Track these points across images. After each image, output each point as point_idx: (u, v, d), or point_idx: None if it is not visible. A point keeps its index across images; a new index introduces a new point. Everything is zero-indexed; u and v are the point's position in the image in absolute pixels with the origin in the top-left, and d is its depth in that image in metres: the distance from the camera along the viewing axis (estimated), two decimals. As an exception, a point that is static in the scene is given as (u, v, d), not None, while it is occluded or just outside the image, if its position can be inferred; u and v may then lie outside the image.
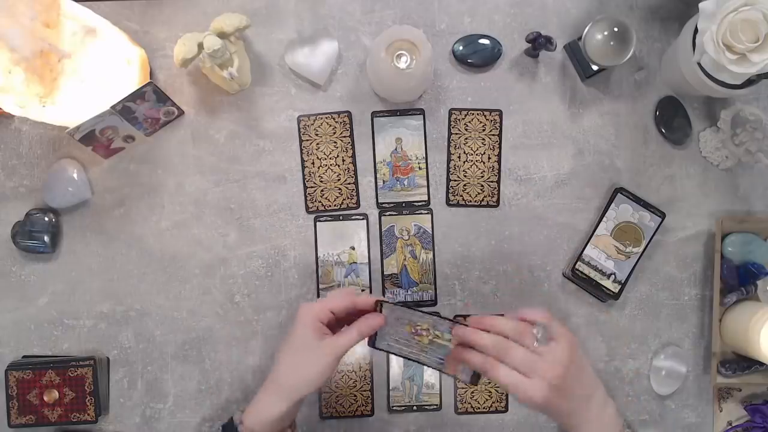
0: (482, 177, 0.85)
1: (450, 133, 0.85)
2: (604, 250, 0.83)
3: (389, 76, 0.77)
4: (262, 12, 0.84)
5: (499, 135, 0.85)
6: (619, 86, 0.86)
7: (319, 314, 0.67)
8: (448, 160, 0.85)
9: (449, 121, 0.85)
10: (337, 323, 0.69)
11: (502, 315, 0.68)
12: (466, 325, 0.65)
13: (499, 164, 0.85)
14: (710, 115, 0.86)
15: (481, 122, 0.85)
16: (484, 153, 0.85)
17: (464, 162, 0.85)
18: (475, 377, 0.67)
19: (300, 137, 0.84)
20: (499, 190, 0.85)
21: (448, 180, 0.85)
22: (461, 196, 0.85)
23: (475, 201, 0.85)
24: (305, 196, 0.84)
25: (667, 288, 0.86)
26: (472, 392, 0.84)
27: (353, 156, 0.84)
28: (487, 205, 0.85)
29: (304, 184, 0.84)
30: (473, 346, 0.65)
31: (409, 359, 0.70)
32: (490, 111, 0.85)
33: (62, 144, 0.83)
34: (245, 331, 0.83)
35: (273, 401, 0.68)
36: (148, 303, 0.83)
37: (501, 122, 0.85)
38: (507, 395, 0.84)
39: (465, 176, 0.85)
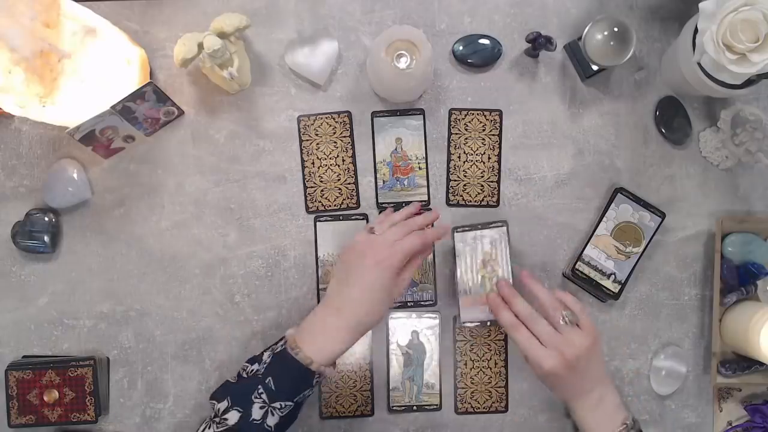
0: (482, 177, 0.85)
1: (450, 133, 0.85)
2: (604, 250, 0.83)
3: (389, 76, 0.77)
4: (262, 12, 0.84)
5: (499, 135, 0.85)
6: (619, 86, 0.86)
7: (402, 261, 0.69)
8: (448, 160, 0.85)
9: (449, 121, 0.85)
10: None
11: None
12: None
13: (499, 164, 0.85)
14: (710, 115, 0.86)
15: (481, 122, 0.85)
16: (484, 153, 0.85)
17: (464, 162, 0.85)
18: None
19: (300, 137, 0.84)
20: (499, 190, 0.85)
21: (448, 180, 0.85)
22: (461, 196, 0.85)
23: (475, 201, 0.85)
24: (305, 196, 0.84)
25: (667, 288, 0.86)
26: (472, 392, 0.84)
27: (353, 156, 0.84)
28: (487, 205, 0.85)
29: (304, 184, 0.84)
30: (509, 304, 0.75)
31: None
32: (490, 111, 0.85)
33: (62, 144, 0.83)
34: (245, 331, 0.83)
35: (343, 338, 0.69)
36: (148, 303, 0.83)
37: (501, 122, 0.85)
38: (507, 396, 0.84)
39: (465, 176, 0.85)
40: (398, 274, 0.70)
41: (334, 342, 0.69)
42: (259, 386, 0.68)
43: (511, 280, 0.80)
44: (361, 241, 0.71)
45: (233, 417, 0.67)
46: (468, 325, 0.82)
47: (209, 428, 0.68)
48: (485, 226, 0.82)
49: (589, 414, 0.73)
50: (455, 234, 0.82)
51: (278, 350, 0.70)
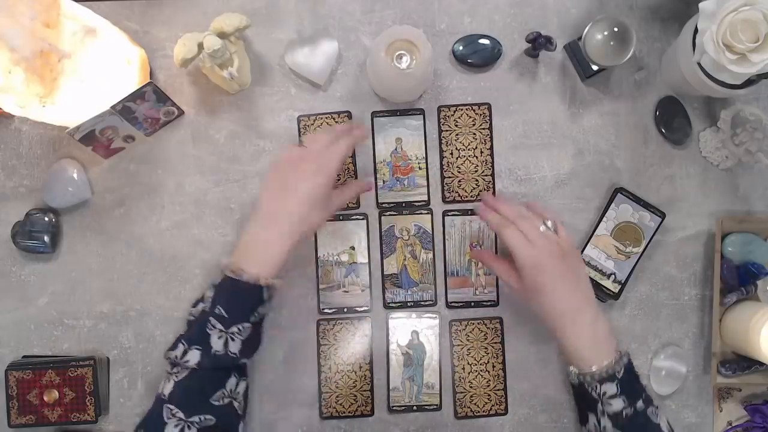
0: (476, 172, 0.85)
1: (441, 130, 0.85)
2: (604, 250, 0.83)
3: (389, 76, 0.77)
4: (262, 12, 0.84)
5: (490, 128, 0.85)
6: (619, 86, 0.86)
7: (338, 166, 0.71)
8: (441, 157, 0.85)
9: (438, 118, 0.85)
10: None
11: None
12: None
13: (492, 158, 0.85)
14: (710, 115, 0.86)
15: (470, 117, 0.85)
16: (476, 148, 0.85)
17: (456, 158, 0.85)
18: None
19: (300, 137, 0.84)
20: (494, 184, 0.85)
21: (443, 177, 0.85)
22: (457, 192, 0.84)
23: (471, 196, 0.85)
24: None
25: (667, 288, 0.86)
26: (471, 396, 0.84)
27: (353, 155, 0.84)
28: (486, 204, 0.85)
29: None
30: (496, 210, 0.76)
31: None
32: (479, 105, 0.85)
33: (62, 144, 0.83)
34: (245, 331, 0.83)
35: (282, 249, 0.70)
36: (148, 303, 0.83)
37: (490, 116, 0.85)
38: (506, 398, 0.84)
39: (459, 172, 0.85)
40: (333, 186, 0.72)
41: (274, 254, 0.69)
42: (210, 318, 0.67)
43: None
44: (294, 154, 0.72)
45: (194, 356, 0.66)
46: (455, 305, 0.84)
47: (168, 382, 0.67)
48: (474, 212, 0.84)
49: (582, 338, 0.70)
50: (445, 217, 0.84)
51: (218, 281, 0.69)
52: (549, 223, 0.73)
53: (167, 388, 0.67)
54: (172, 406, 0.65)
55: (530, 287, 0.72)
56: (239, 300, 0.68)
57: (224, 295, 0.68)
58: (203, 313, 0.68)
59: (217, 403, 0.67)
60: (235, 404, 0.69)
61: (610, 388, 0.69)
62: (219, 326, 0.67)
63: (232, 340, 0.67)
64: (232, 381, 0.68)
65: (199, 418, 0.65)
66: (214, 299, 0.68)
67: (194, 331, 0.68)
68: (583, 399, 0.72)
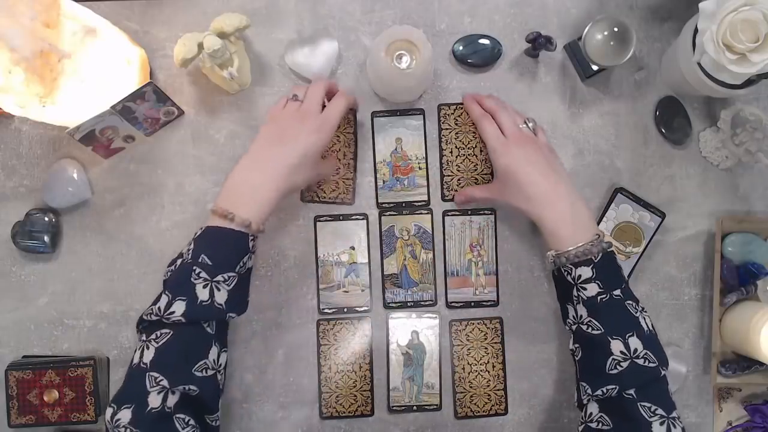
0: (475, 170, 0.85)
1: (440, 129, 0.85)
2: (604, 250, 0.83)
3: (389, 76, 0.77)
4: (262, 12, 0.84)
5: None
6: (619, 86, 0.86)
7: (336, 126, 0.74)
8: (441, 156, 0.85)
9: (438, 116, 0.85)
10: None
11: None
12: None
13: None
14: (710, 115, 0.86)
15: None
16: (476, 146, 0.85)
17: (456, 157, 0.85)
18: None
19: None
20: (496, 187, 0.85)
21: (442, 176, 0.84)
22: (456, 190, 0.84)
23: (471, 196, 0.85)
24: (301, 194, 0.84)
25: (667, 288, 0.86)
26: (471, 396, 0.84)
27: (355, 152, 0.84)
28: (487, 205, 0.85)
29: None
30: (480, 103, 0.81)
31: None
32: None
33: (62, 144, 0.83)
34: (245, 331, 0.83)
35: (271, 198, 0.69)
36: (148, 303, 0.83)
37: None
38: (506, 398, 0.84)
39: (458, 170, 0.84)
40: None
41: (263, 200, 0.68)
42: (194, 267, 0.65)
43: (496, 267, 0.83)
44: (293, 108, 0.74)
45: (179, 307, 0.63)
46: (455, 305, 0.84)
47: (147, 350, 0.63)
48: (474, 212, 0.84)
49: (558, 220, 0.70)
50: (445, 217, 0.84)
51: (200, 232, 0.68)
52: (530, 124, 0.78)
53: (147, 356, 0.63)
54: (155, 374, 0.62)
55: (502, 179, 0.74)
56: (224, 247, 0.66)
57: (207, 243, 0.66)
58: (184, 265, 0.66)
59: (199, 374, 0.64)
60: (219, 377, 0.67)
61: (585, 272, 0.67)
62: (204, 275, 0.65)
63: (218, 289, 0.65)
64: (214, 351, 0.66)
65: (183, 388, 0.63)
66: (195, 250, 0.66)
67: (177, 282, 0.65)
68: (561, 288, 0.72)
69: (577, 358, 0.71)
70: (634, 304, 0.68)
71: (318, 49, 0.83)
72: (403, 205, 0.84)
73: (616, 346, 0.65)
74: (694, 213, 0.86)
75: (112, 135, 0.79)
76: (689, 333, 0.86)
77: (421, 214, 0.84)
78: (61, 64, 0.67)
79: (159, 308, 0.64)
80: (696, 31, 0.74)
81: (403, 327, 0.84)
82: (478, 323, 0.84)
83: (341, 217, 0.84)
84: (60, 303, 0.83)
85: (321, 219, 0.84)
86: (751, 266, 0.83)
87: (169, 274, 0.69)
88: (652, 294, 0.85)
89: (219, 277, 0.66)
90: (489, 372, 0.84)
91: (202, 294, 0.64)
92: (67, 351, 0.83)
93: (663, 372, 0.66)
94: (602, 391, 0.66)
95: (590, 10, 0.86)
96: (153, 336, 0.65)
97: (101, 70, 0.72)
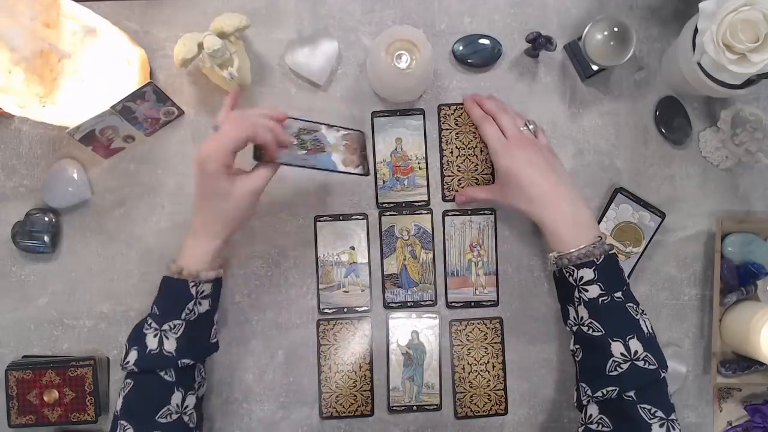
0: (476, 170, 0.85)
1: (441, 129, 0.85)
2: (604, 250, 0.83)
3: (389, 76, 0.77)
4: (262, 12, 0.84)
5: None
6: (619, 86, 0.86)
7: (223, 161, 0.64)
8: (441, 156, 0.85)
9: (439, 117, 0.85)
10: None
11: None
12: None
13: None
14: (710, 115, 0.86)
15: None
16: (476, 146, 0.85)
17: (456, 157, 0.85)
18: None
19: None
20: (494, 182, 0.84)
21: (443, 176, 0.84)
22: (456, 191, 0.84)
23: (471, 196, 0.85)
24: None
25: (667, 288, 0.86)
26: (471, 396, 0.84)
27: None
28: (487, 205, 0.85)
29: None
30: (480, 105, 0.80)
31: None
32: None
33: (62, 144, 0.83)
34: (245, 331, 0.83)
35: (205, 243, 0.69)
36: (148, 303, 0.83)
37: None
38: (506, 398, 0.84)
39: (459, 171, 0.84)
40: (235, 174, 0.67)
41: (194, 248, 0.70)
42: (147, 318, 0.69)
43: (496, 267, 0.83)
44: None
45: (132, 356, 0.68)
46: (455, 305, 0.84)
47: (119, 398, 0.69)
48: (474, 212, 0.84)
49: (560, 221, 0.70)
50: (445, 217, 0.84)
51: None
52: (531, 126, 0.78)
53: (118, 404, 0.69)
54: (124, 422, 0.67)
55: (504, 180, 0.74)
56: (169, 297, 0.70)
57: (159, 292, 0.71)
58: (146, 316, 0.71)
59: (164, 421, 0.68)
60: (185, 418, 0.70)
61: (587, 273, 0.67)
62: (154, 325, 0.69)
63: (166, 338, 0.68)
64: (177, 396, 0.69)
65: None
66: (155, 299, 0.71)
67: (136, 331, 0.70)
68: (563, 290, 0.72)
69: (577, 359, 0.71)
70: (634, 307, 0.69)
71: (318, 49, 0.83)
72: (403, 205, 0.84)
73: (617, 347, 0.65)
74: (694, 213, 0.86)
75: (112, 135, 0.79)
76: (689, 333, 0.86)
77: (421, 214, 0.84)
78: (61, 64, 0.67)
79: (122, 357, 0.69)
80: (696, 31, 0.74)
81: (403, 327, 0.84)
82: (478, 323, 0.84)
83: (341, 217, 0.84)
84: (60, 303, 0.83)
85: (321, 219, 0.84)
86: (751, 266, 0.83)
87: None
88: (652, 294, 0.85)
89: (165, 326, 0.69)
90: (489, 372, 0.84)
91: (152, 343, 0.68)
92: (67, 351, 0.83)
93: (663, 374, 0.66)
94: (602, 392, 0.66)
95: (590, 10, 0.86)
96: (123, 384, 0.70)
97: (101, 70, 0.72)
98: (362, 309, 0.84)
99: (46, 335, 0.83)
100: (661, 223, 0.84)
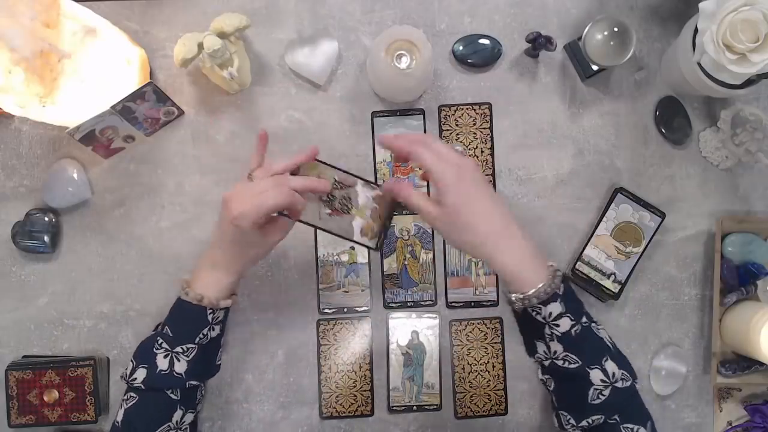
0: None
1: (441, 130, 0.85)
2: (604, 250, 0.83)
3: (389, 76, 0.77)
4: (262, 12, 0.84)
5: (491, 128, 0.85)
6: (619, 86, 0.86)
7: (257, 221, 0.65)
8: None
9: (439, 117, 0.85)
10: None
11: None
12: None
13: (493, 158, 0.85)
14: (710, 115, 0.86)
15: (471, 117, 0.85)
16: (477, 147, 0.85)
17: None
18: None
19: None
20: (494, 184, 0.85)
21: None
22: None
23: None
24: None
25: (667, 288, 0.86)
26: (471, 396, 0.84)
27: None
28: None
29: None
30: (393, 145, 0.68)
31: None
32: (480, 105, 0.85)
33: (62, 144, 0.83)
34: (245, 331, 0.83)
35: (225, 277, 0.71)
36: (148, 303, 0.83)
37: (491, 115, 0.85)
38: (506, 398, 0.84)
39: None
40: (264, 228, 0.69)
41: (214, 279, 0.71)
42: (158, 337, 0.70)
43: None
44: (234, 189, 0.67)
45: (141, 374, 0.68)
46: (455, 305, 0.84)
47: (120, 409, 0.69)
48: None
49: (517, 259, 0.64)
50: None
51: (174, 302, 0.71)
52: (458, 147, 0.76)
53: (119, 416, 0.69)
54: None
55: (448, 218, 0.64)
56: (185, 321, 0.70)
57: (173, 315, 0.71)
58: (155, 333, 0.71)
59: None
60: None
61: (555, 308, 0.63)
62: (165, 345, 0.69)
63: (177, 360, 0.69)
64: (178, 414, 0.70)
65: None
66: (166, 320, 0.71)
67: (144, 348, 0.70)
68: (529, 326, 0.67)
69: (550, 389, 0.69)
70: (595, 325, 0.67)
71: (318, 49, 0.83)
72: (403, 205, 0.84)
73: (596, 375, 0.64)
74: (694, 213, 0.86)
75: (112, 135, 0.79)
76: (689, 333, 0.86)
77: (421, 214, 0.84)
78: (61, 64, 0.67)
79: (126, 372, 0.69)
80: (696, 31, 0.74)
81: (403, 327, 0.84)
82: (478, 323, 0.84)
83: (341, 217, 0.84)
84: (60, 303, 0.83)
85: (321, 219, 0.84)
86: (751, 266, 0.83)
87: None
88: (652, 294, 0.85)
89: (178, 349, 0.69)
90: (489, 372, 0.84)
91: (162, 363, 0.69)
92: (67, 351, 0.83)
93: (636, 384, 0.66)
94: (587, 422, 0.65)
95: (590, 10, 0.86)
96: (125, 397, 0.70)
97: (101, 70, 0.72)
98: (362, 309, 0.84)
99: (46, 335, 0.83)
100: (661, 223, 0.84)
